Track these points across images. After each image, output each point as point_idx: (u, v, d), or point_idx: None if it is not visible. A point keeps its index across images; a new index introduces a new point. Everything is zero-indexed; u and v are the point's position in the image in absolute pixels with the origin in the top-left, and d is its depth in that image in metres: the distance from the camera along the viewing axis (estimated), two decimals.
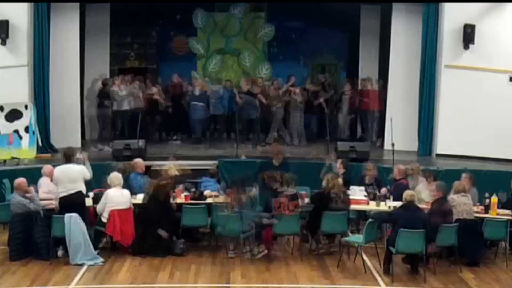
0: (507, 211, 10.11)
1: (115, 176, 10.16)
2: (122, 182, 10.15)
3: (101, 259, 9.55)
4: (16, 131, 13.84)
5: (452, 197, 9.81)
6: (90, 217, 10.04)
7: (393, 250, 9.11)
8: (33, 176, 11.61)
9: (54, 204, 9.84)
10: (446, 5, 14.59)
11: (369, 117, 16.43)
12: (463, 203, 9.70)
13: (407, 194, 9.40)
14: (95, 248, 9.69)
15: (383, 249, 9.82)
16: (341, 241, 10.11)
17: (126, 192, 10.09)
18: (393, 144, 12.90)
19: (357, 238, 9.66)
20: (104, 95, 15.85)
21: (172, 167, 10.89)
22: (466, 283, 9.02)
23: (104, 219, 9.85)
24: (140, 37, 18.27)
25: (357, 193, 10.82)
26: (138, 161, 11.44)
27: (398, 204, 10.12)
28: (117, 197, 9.89)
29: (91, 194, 10.44)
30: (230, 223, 9.83)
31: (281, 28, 18.21)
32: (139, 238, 9.93)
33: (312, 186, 11.37)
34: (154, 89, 16.26)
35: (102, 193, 10.07)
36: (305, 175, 11.82)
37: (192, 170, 11.69)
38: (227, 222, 9.87)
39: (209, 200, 10.57)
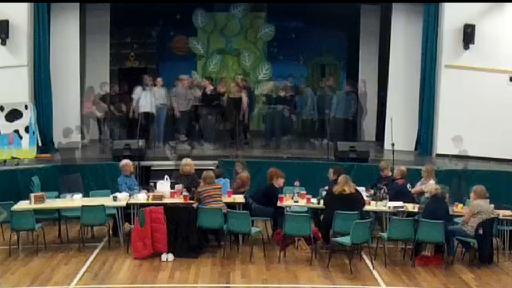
0: (508, 212, 10.11)
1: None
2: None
3: None
4: (16, 131, 13.82)
5: (479, 203, 9.69)
6: None
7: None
8: (33, 176, 11.65)
9: None
10: (446, 5, 14.58)
11: None
12: (487, 208, 9.70)
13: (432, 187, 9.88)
14: None
15: (383, 249, 9.87)
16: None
17: None
18: (393, 144, 12.90)
19: (345, 239, 9.51)
20: None
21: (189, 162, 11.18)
22: (466, 283, 9.02)
23: None
24: (140, 37, 18.25)
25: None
26: (126, 163, 11.37)
27: (396, 204, 10.17)
28: None
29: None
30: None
31: (281, 28, 18.22)
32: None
33: (312, 186, 11.38)
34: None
35: None
36: (305, 175, 11.82)
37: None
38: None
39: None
